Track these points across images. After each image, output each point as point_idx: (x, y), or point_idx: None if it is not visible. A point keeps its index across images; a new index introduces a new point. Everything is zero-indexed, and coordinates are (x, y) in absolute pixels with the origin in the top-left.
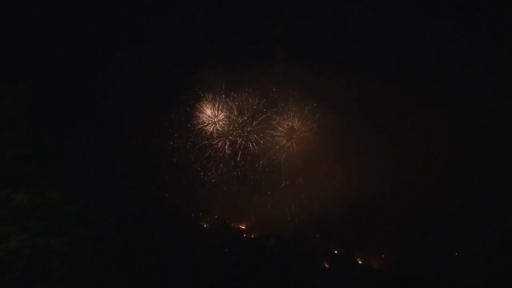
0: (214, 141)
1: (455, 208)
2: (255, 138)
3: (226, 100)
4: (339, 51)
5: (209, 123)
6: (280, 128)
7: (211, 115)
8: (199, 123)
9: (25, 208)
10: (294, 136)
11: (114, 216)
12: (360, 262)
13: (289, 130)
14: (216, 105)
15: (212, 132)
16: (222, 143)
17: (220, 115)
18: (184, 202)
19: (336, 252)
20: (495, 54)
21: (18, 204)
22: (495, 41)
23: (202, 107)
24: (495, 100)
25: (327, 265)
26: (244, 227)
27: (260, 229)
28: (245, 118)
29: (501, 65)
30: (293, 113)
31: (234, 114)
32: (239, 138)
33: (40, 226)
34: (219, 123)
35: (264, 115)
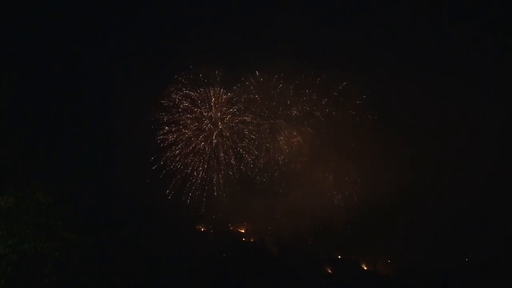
0: (212, 142)
1: (464, 212)
2: (255, 139)
3: (223, 101)
4: (348, 47)
5: (205, 123)
6: (280, 128)
7: (207, 116)
8: (195, 123)
9: (10, 212)
10: (296, 136)
11: (106, 220)
12: (365, 268)
13: (291, 130)
14: (213, 106)
15: (209, 133)
16: (220, 144)
17: (216, 115)
18: (180, 205)
19: (339, 257)
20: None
21: (3, 207)
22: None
23: (199, 109)
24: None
25: (330, 270)
26: (243, 231)
27: (260, 233)
28: (244, 119)
29: None
30: (294, 111)
31: (231, 115)
32: (239, 140)
33: (28, 230)
34: (216, 124)
35: (264, 115)
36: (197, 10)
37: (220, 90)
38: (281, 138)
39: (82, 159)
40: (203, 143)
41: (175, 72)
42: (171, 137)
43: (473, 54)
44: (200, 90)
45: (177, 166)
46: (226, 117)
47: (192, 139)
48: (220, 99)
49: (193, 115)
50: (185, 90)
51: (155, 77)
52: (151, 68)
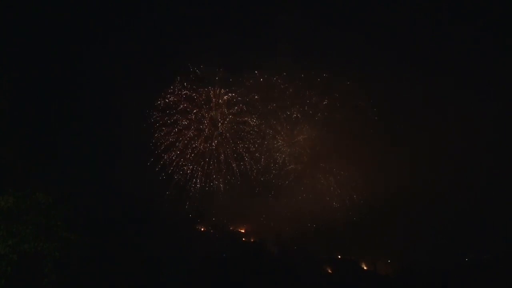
0: (212, 143)
1: (464, 212)
2: (256, 139)
3: (223, 101)
4: (348, 47)
5: (205, 124)
6: (281, 128)
7: (207, 116)
8: (195, 124)
9: (10, 212)
10: (297, 136)
11: (106, 220)
12: (365, 268)
13: (292, 129)
14: (213, 107)
15: (209, 133)
16: (220, 145)
17: (216, 115)
18: (179, 205)
19: (339, 257)
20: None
21: (3, 207)
22: (507, 41)
23: (199, 109)
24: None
25: (330, 270)
26: (243, 231)
27: (260, 233)
28: (244, 119)
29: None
30: (295, 113)
31: (232, 115)
32: (239, 140)
33: (28, 230)
34: (216, 124)
35: (264, 116)
36: (197, 10)
37: (220, 91)
38: (282, 138)
39: (82, 159)
40: (203, 144)
41: (175, 72)
42: (171, 138)
43: (473, 54)
44: (200, 91)
45: (177, 166)
46: (226, 118)
47: (192, 139)
48: (220, 99)
49: (193, 115)
50: (185, 90)
51: (155, 78)
52: (151, 68)
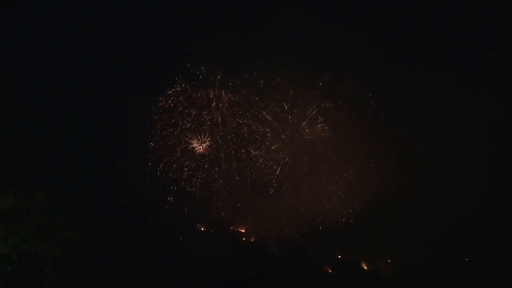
0: (213, 143)
1: (464, 212)
2: (256, 140)
3: (222, 101)
4: (347, 49)
5: (206, 125)
6: (281, 129)
7: (207, 117)
8: (195, 124)
9: (10, 212)
10: (297, 137)
11: (106, 220)
12: (365, 267)
13: (292, 130)
14: (212, 104)
15: (209, 132)
16: (221, 146)
17: (216, 114)
18: (180, 205)
19: (339, 257)
20: (505, 55)
21: (3, 207)
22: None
23: (199, 110)
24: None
25: (331, 270)
26: (243, 231)
27: (261, 233)
28: (244, 120)
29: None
30: (296, 113)
31: (232, 116)
32: (240, 141)
33: (28, 230)
34: (217, 125)
35: (264, 117)
36: (197, 10)
37: (220, 91)
38: (282, 139)
39: (82, 159)
40: (204, 144)
41: (175, 73)
42: (172, 138)
43: (473, 54)
44: (200, 92)
45: (178, 166)
46: (227, 119)
47: (193, 140)
48: (220, 100)
49: (194, 116)
50: (185, 91)
51: (155, 78)
52: (151, 68)
